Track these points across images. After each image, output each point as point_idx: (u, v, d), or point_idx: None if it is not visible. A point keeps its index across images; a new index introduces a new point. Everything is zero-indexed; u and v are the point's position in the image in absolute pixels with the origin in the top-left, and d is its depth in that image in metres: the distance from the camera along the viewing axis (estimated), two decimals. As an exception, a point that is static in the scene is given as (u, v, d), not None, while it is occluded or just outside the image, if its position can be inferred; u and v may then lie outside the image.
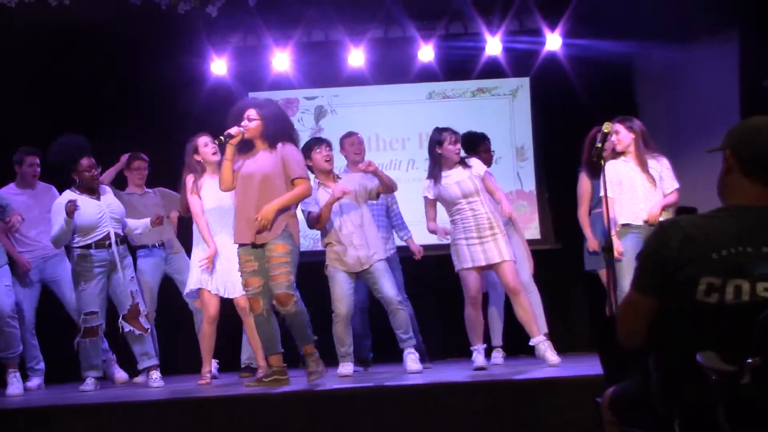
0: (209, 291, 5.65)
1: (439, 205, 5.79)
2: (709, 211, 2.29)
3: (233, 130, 5.06)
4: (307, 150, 5.80)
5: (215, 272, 5.65)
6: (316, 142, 5.92)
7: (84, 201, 5.64)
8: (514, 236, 6.06)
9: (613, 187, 5.60)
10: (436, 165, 5.70)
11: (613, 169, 5.64)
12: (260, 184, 5.03)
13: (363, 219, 5.79)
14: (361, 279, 5.83)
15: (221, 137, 5.08)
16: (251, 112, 5.16)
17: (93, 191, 5.72)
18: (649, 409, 2.32)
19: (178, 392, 5.21)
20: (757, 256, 2.16)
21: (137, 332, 5.66)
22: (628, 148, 5.67)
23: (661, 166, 5.65)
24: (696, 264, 2.17)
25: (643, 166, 5.61)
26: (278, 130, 5.16)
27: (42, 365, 6.15)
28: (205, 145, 5.76)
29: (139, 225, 5.90)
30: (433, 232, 5.81)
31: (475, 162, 5.74)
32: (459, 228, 5.64)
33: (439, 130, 5.74)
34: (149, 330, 5.76)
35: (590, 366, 5.22)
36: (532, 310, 5.62)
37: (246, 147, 5.16)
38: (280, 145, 5.13)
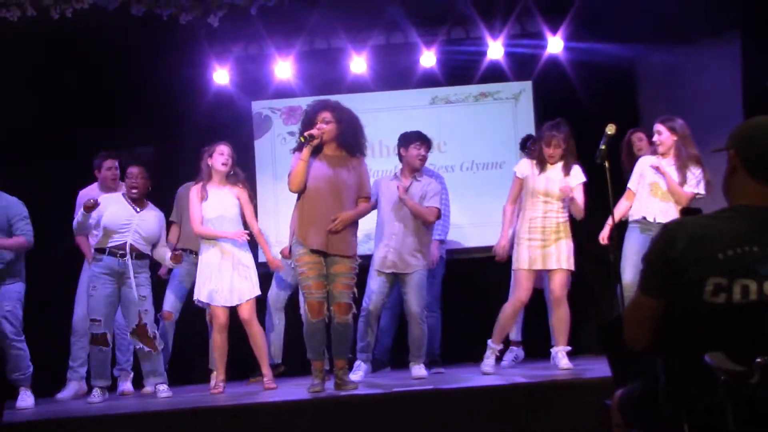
0: (214, 304, 5.65)
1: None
2: (714, 211, 2.29)
3: (315, 132, 5.06)
4: (406, 141, 5.85)
5: (216, 284, 5.63)
6: (418, 137, 5.88)
7: (121, 205, 5.72)
8: None
9: (635, 179, 5.69)
10: (541, 154, 5.65)
11: (642, 162, 5.70)
12: (347, 196, 5.09)
13: (409, 225, 5.79)
14: (397, 282, 5.86)
15: (303, 137, 5.06)
16: (326, 115, 5.14)
17: (135, 201, 5.75)
18: (657, 410, 2.32)
19: (186, 402, 5.21)
20: (764, 255, 2.16)
21: (146, 349, 5.65)
22: (670, 150, 5.60)
23: (691, 175, 5.56)
24: (702, 264, 2.17)
25: (683, 170, 5.52)
26: (355, 136, 5.20)
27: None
28: (221, 153, 5.75)
29: (163, 256, 5.88)
30: (504, 214, 5.71)
31: (576, 170, 5.63)
32: (525, 226, 5.60)
33: (549, 126, 5.66)
34: (160, 350, 5.73)
35: (598, 369, 5.22)
36: (567, 324, 5.61)
37: (314, 149, 5.14)
38: (357, 158, 5.19)
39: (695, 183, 5.54)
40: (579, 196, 5.58)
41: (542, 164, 5.63)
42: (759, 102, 6.25)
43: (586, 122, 6.31)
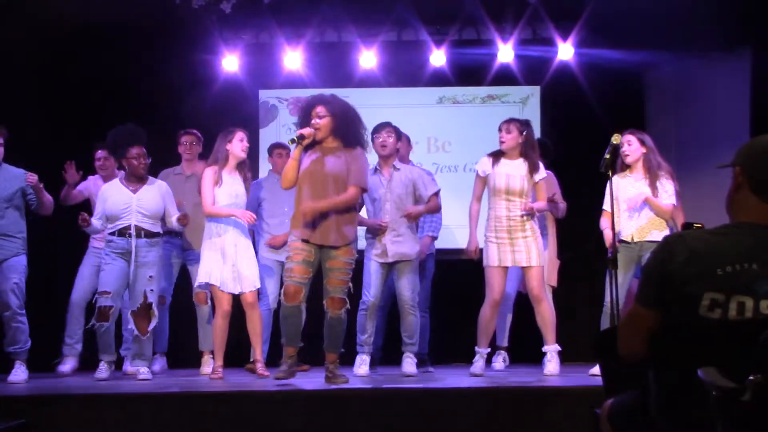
0: (218, 287, 5.69)
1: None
2: (715, 227, 2.29)
3: (306, 131, 5.06)
4: (371, 136, 5.85)
5: (223, 269, 5.70)
6: (379, 127, 5.91)
7: (117, 190, 5.77)
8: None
9: (608, 199, 5.56)
10: (499, 149, 5.70)
11: (615, 182, 5.62)
12: (332, 186, 5.04)
13: (399, 217, 5.80)
14: (390, 272, 5.87)
15: (294, 138, 5.08)
16: (320, 110, 5.12)
17: (140, 180, 5.79)
18: (647, 422, 2.32)
19: (178, 386, 5.22)
20: (762, 273, 2.15)
21: (135, 332, 5.69)
22: (638, 163, 5.59)
23: (661, 187, 5.53)
24: (701, 279, 2.17)
25: (654, 183, 5.49)
26: (350, 127, 5.15)
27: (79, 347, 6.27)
28: (241, 139, 5.80)
29: (173, 224, 5.92)
30: (470, 214, 5.79)
31: (541, 167, 5.65)
32: (491, 225, 5.63)
33: (506, 121, 5.72)
34: (149, 335, 5.74)
35: (590, 376, 5.22)
36: (551, 319, 5.61)
37: (311, 143, 5.13)
38: (353, 149, 5.12)
39: (672, 194, 5.51)
40: (542, 194, 5.62)
41: (498, 156, 5.65)
42: (767, 119, 6.25)
43: (593, 129, 6.31)
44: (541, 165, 5.68)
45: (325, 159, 5.09)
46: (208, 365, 6.15)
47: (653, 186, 5.51)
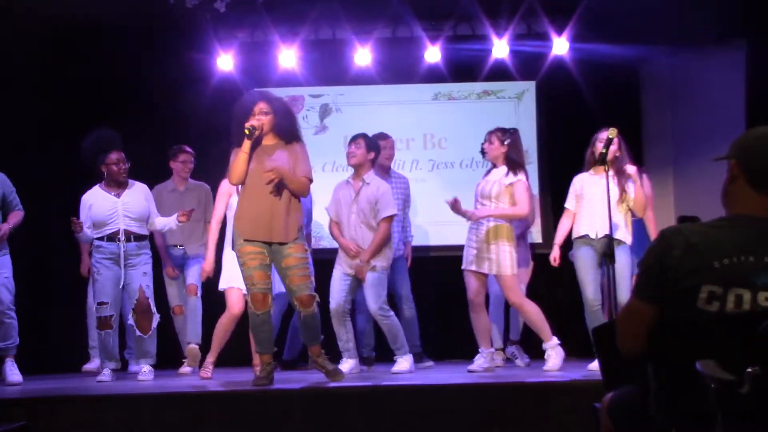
0: (238, 288, 5.66)
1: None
2: (712, 219, 2.29)
3: (256, 124, 4.97)
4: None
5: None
6: (351, 139, 5.99)
7: (101, 196, 5.74)
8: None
9: (571, 200, 5.66)
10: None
11: (577, 181, 5.67)
12: (279, 182, 4.94)
13: (366, 227, 5.79)
14: (358, 282, 5.84)
15: (247, 128, 4.92)
16: (263, 106, 5.05)
17: (120, 185, 5.76)
18: (647, 416, 2.32)
19: (177, 387, 5.22)
20: (759, 265, 2.16)
21: (137, 332, 5.69)
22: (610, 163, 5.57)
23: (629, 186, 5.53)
24: (697, 272, 2.17)
25: (622, 182, 5.48)
26: (290, 125, 5.11)
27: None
28: None
29: (167, 222, 5.92)
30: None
31: (520, 173, 5.64)
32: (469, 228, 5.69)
33: (489, 132, 5.82)
34: (151, 333, 5.75)
35: (589, 371, 5.23)
36: (539, 320, 5.59)
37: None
38: (294, 143, 5.07)
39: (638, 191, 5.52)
40: (517, 196, 5.58)
41: (491, 167, 5.79)
42: (762, 111, 6.26)
43: (589, 124, 6.30)
44: (518, 172, 5.64)
45: (271, 158, 5.01)
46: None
47: (620, 185, 5.48)
